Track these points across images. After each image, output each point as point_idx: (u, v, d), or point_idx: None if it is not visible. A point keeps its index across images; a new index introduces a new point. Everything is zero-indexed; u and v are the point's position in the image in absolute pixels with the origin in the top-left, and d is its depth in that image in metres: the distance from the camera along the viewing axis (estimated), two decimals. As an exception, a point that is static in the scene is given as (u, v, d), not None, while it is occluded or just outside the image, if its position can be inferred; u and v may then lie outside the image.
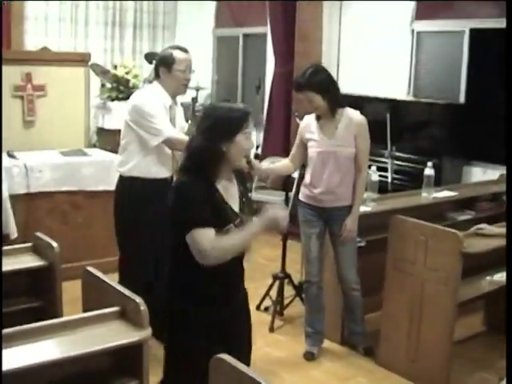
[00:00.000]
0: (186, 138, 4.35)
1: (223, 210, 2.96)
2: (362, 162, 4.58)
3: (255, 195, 8.38)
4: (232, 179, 3.10)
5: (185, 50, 4.55)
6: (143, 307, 2.77)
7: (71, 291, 4.13)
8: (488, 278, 4.80)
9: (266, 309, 5.67)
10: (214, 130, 2.91)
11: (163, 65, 4.47)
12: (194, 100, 4.54)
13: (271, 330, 5.35)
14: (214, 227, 2.86)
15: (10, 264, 3.52)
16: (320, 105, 4.49)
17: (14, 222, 5.41)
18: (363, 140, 4.56)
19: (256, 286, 6.12)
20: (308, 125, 4.68)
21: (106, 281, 3.00)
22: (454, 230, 4.39)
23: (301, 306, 5.29)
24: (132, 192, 4.56)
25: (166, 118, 4.44)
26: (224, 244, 2.86)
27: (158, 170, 4.49)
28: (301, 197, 4.78)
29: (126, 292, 2.88)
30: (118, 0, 11.02)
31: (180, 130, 4.63)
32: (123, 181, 4.59)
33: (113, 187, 4.77)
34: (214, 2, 11.05)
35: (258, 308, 5.72)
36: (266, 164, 4.89)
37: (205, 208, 2.86)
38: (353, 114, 4.59)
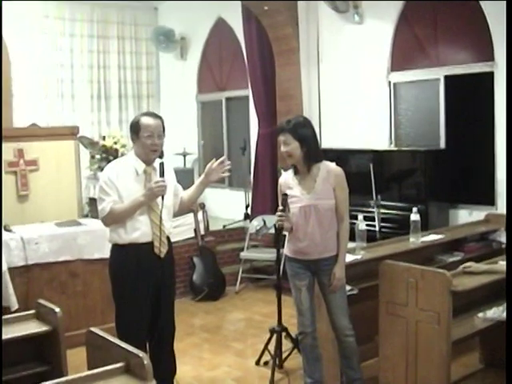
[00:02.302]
0: (128, 212, 4.41)
1: None
2: (343, 212, 4.68)
3: (248, 254, 8.54)
4: None
5: (153, 115, 4.61)
6: (146, 361, 2.87)
7: (74, 359, 4.23)
8: (480, 314, 4.86)
9: (266, 363, 5.71)
10: None
11: (132, 132, 4.55)
12: (162, 164, 4.55)
13: (272, 383, 5.39)
14: None
15: (14, 331, 3.62)
16: (295, 153, 4.58)
17: (14, 294, 5.51)
18: (342, 190, 4.67)
19: (254, 341, 6.22)
20: (286, 181, 4.76)
21: (109, 339, 3.11)
22: (442, 270, 4.50)
23: (299, 358, 5.34)
24: (115, 258, 4.60)
25: (116, 191, 4.45)
26: None
27: (134, 235, 4.47)
28: (287, 252, 4.84)
29: (130, 348, 2.98)
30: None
31: (172, 192, 4.67)
32: (111, 249, 4.66)
33: (107, 255, 4.83)
34: (196, 69, 11.33)
35: (257, 363, 5.78)
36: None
37: None
38: (330, 167, 4.69)
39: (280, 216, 4.57)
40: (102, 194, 4.49)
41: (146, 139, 4.45)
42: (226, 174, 4.75)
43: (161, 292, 4.60)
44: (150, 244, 4.49)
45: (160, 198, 4.44)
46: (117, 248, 4.57)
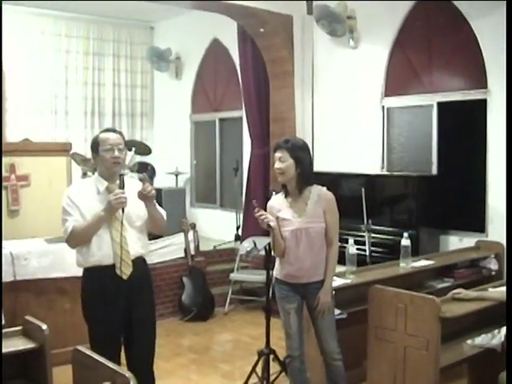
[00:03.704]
0: (90, 228, 4.17)
1: None
2: (333, 236, 4.67)
3: (238, 275, 8.51)
4: None
5: (112, 130, 4.45)
6: (133, 381, 2.85)
7: (60, 376, 4.17)
8: (469, 341, 4.86)
9: (254, 386, 5.68)
10: None
11: (92, 150, 4.37)
12: (121, 176, 4.35)
13: (259, 406, 5.33)
14: None
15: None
16: (289, 171, 4.57)
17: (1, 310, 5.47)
18: (332, 215, 4.66)
19: (242, 363, 6.18)
20: (277, 204, 4.73)
21: (96, 358, 3.08)
22: (431, 296, 4.50)
23: (287, 381, 5.28)
24: (83, 281, 4.40)
25: (78, 210, 4.22)
26: None
27: (96, 256, 4.25)
28: (276, 274, 4.82)
29: (116, 367, 2.95)
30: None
31: (142, 211, 4.38)
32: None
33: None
34: (190, 89, 11.36)
35: (244, 385, 5.74)
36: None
37: None
38: (321, 191, 4.68)
39: (262, 216, 4.53)
40: (64, 214, 4.26)
41: (106, 153, 4.25)
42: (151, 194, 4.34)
43: (132, 318, 4.35)
44: (113, 265, 4.26)
45: (120, 211, 4.22)
46: (83, 270, 4.38)
